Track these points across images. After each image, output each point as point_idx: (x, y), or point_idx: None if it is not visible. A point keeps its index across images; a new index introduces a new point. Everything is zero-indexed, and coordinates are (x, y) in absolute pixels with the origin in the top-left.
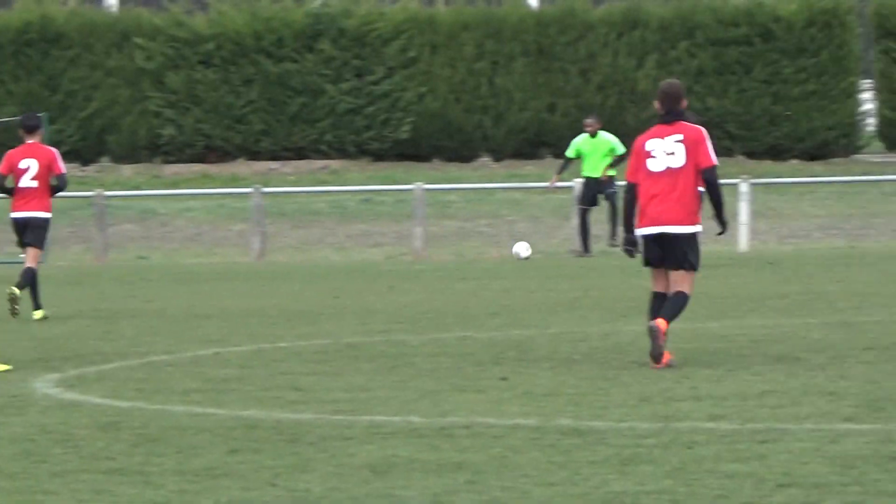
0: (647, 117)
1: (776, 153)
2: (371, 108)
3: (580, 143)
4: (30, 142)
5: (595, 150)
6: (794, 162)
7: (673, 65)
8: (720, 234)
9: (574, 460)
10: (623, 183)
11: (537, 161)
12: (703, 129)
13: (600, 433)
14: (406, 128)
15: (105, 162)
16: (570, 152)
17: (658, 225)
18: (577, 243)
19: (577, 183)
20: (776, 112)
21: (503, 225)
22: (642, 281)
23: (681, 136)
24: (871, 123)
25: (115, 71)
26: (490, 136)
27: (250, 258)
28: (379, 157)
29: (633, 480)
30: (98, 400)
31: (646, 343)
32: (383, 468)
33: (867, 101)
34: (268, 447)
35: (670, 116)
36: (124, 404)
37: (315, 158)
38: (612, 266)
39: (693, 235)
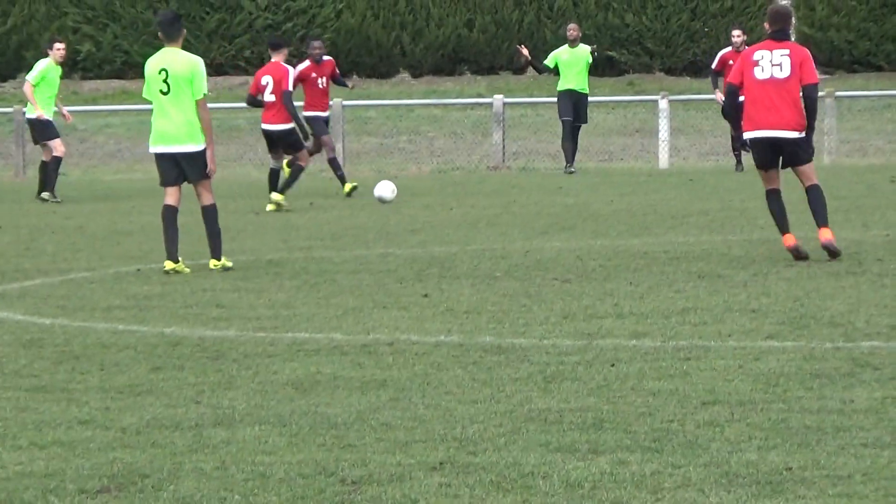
0: (564, 34)
1: (695, 69)
2: (289, 25)
3: (559, 52)
4: (273, 60)
5: (576, 60)
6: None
7: None
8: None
9: (497, 378)
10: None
11: (456, 77)
12: (807, 50)
13: (523, 350)
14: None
15: (24, 77)
16: (548, 62)
17: (770, 129)
18: (563, 158)
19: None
20: (694, 28)
21: (423, 141)
22: (563, 198)
23: (788, 51)
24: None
25: None
26: (408, 53)
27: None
28: None
29: (557, 398)
30: (19, 317)
31: (567, 260)
32: (307, 385)
33: None
34: (191, 364)
35: (780, 34)
36: (46, 321)
37: (234, 74)
38: (532, 183)
39: (802, 138)
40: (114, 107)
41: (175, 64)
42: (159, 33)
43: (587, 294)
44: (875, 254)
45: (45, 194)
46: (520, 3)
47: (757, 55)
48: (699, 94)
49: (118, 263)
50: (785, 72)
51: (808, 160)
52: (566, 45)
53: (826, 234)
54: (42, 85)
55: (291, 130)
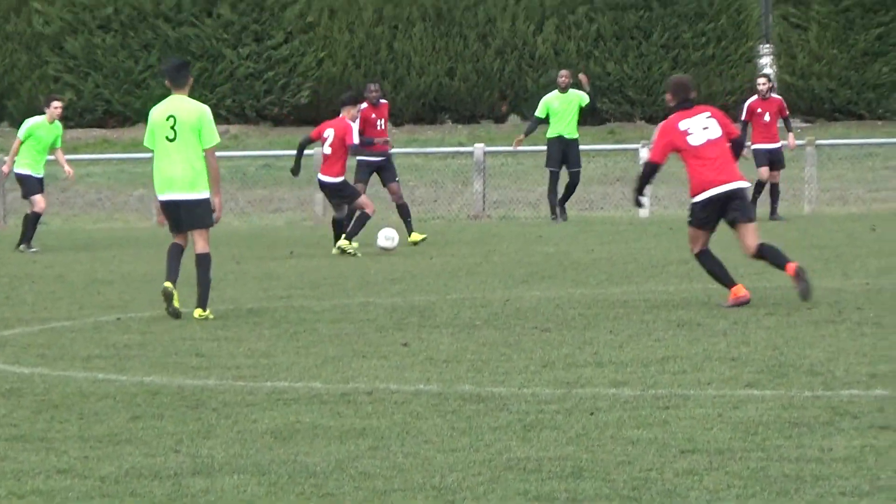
0: (545, 83)
1: None
2: (270, 73)
3: (550, 99)
4: (342, 115)
5: (567, 107)
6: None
7: (572, 29)
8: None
9: (476, 426)
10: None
11: (437, 126)
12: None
13: (502, 399)
14: (305, 93)
15: (4, 127)
16: (540, 112)
17: (725, 184)
18: (547, 209)
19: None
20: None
21: (404, 190)
22: (543, 247)
23: (709, 113)
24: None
25: (14, 35)
26: (389, 101)
27: (151, 223)
28: (279, 122)
29: (536, 446)
30: None
31: (546, 309)
32: (286, 434)
33: (766, 65)
34: (170, 413)
35: (688, 103)
36: (26, 370)
37: (215, 123)
38: (512, 231)
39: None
40: (95, 156)
41: (183, 111)
42: (167, 81)
43: (567, 343)
44: (855, 302)
45: (21, 247)
46: (501, 52)
47: (683, 125)
48: None
49: (98, 313)
50: (716, 132)
51: (755, 217)
52: (555, 92)
53: (791, 266)
54: (31, 141)
55: (344, 184)
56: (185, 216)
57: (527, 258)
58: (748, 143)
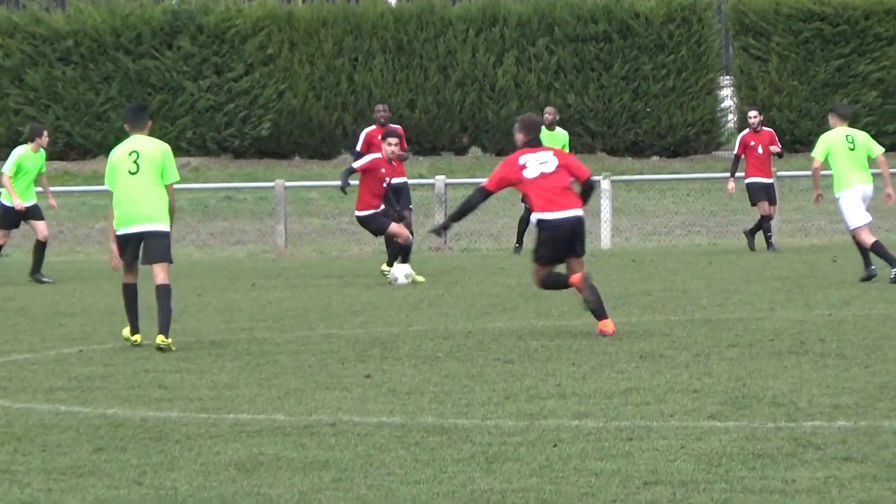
0: (506, 114)
1: (637, 150)
2: (231, 106)
3: None
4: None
5: (554, 144)
6: (655, 159)
7: (532, 61)
8: None
9: (439, 458)
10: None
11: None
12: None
13: (465, 431)
14: (266, 125)
15: None
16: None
17: (567, 209)
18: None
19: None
20: (636, 109)
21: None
22: (505, 279)
23: (551, 152)
24: (731, 120)
25: None
26: (350, 133)
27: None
28: (240, 154)
29: (499, 478)
30: None
31: (509, 341)
32: (249, 466)
33: (727, 97)
34: (133, 445)
35: (535, 142)
36: None
37: (176, 156)
38: (474, 263)
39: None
40: (55, 188)
41: (146, 148)
42: (125, 124)
43: (529, 374)
44: (817, 333)
45: (36, 275)
46: (461, 84)
47: (522, 160)
48: (640, 174)
49: (60, 345)
50: (552, 166)
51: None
52: (541, 128)
53: (576, 277)
54: (18, 172)
55: (371, 217)
56: (148, 247)
57: (489, 290)
58: (740, 176)
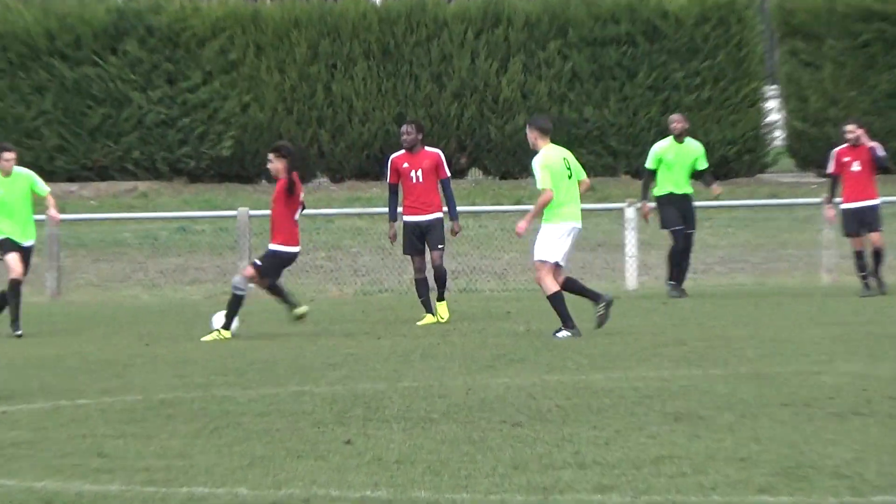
0: (511, 131)
1: None
2: (186, 120)
3: (664, 149)
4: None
5: (683, 157)
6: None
7: (542, 68)
8: None
9: None
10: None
11: (383, 182)
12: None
13: None
14: (227, 143)
15: None
16: (650, 163)
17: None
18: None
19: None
20: (665, 124)
21: (345, 258)
22: (511, 325)
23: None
24: (778, 137)
25: None
26: (327, 153)
27: (43, 297)
28: (196, 177)
29: None
30: None
31: (517, 400)
32: None
33: (773, 110)
34: None
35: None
36: None
37: (120, 179)
38: (475, 307)
39: None
40: None
41: None
42: None
43: (542, 440)
44: (885, 391)
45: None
46: (458, 95)
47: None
48: None
49: None
50: None
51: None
52: (670, 139)
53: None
54: None
55: None
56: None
57: (492, 339)
58: (837, 201)
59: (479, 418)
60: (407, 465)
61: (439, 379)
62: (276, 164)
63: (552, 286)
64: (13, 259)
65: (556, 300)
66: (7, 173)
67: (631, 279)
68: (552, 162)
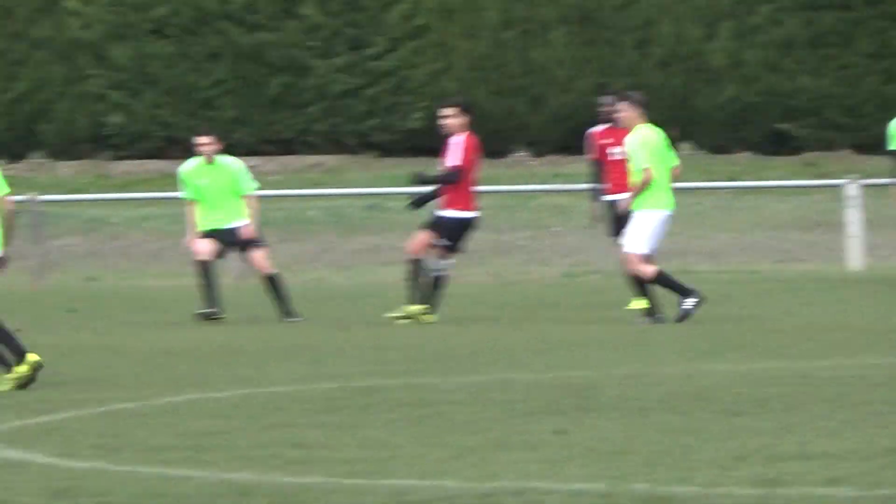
0: (722, 102)
1: None
2: (372, 90)
3: None
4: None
5: None
6: None
7: (754, 34)
8: None
9: None
10: None
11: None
12: None
13: (686, 501)
14: (418, 115)
15: (38, 158)
16: (894, 143)
17: None
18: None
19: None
20: (888, 94)
21: (546, 237)
22: (729, 308)
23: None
24: None
25: (44, 42)
26: (526, 126)
27: (227, 280)
28: (386, 151)
29: None
30: (46, 459)
31: (738, 388)
32: None
33: None
34: None
35: None
36: (80, 465)
37: (304, 153)
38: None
39: None
40: (152, 194)
41: None
42: None
43: (765, 430)
44: None
45: None
46: (665, 63)
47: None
48: None
49: (168, 392)
50: None
51: None
52: None
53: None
54: None
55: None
56: None
57: (710, 323)
58: None
59: (698, 407)
60: (623, 457)
61: (655, 366)
62: (456, 120)
63: (649, 269)
64: (203, 243)
65: (662, 279)
66: (209, 160)
67: (855, 261)
68: (653, 142)
